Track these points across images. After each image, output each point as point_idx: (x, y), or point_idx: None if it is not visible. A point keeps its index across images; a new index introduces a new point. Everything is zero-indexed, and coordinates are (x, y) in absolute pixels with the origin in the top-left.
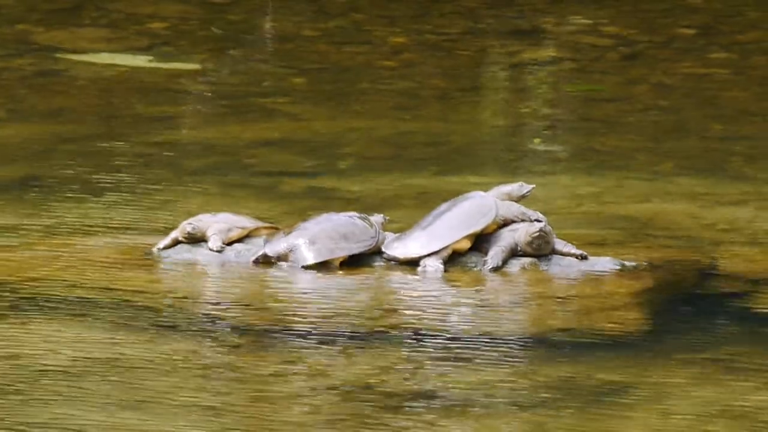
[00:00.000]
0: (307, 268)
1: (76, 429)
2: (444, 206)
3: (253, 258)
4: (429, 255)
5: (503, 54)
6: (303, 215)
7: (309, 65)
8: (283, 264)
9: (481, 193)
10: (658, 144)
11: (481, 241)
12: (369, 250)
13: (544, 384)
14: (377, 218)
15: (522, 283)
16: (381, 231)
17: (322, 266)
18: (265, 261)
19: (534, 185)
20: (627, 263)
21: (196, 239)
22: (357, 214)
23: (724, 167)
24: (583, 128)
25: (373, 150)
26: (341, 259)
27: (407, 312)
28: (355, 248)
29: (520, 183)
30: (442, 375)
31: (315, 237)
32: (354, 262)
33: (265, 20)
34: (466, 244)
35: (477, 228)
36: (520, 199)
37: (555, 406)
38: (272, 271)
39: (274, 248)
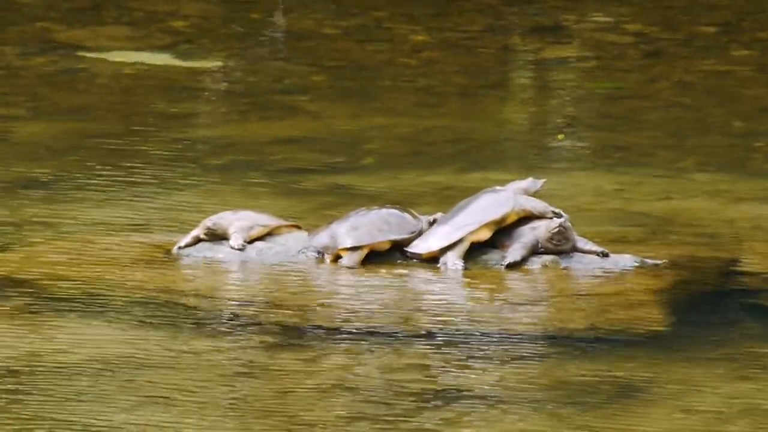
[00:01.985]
0: (346, 250)
1: (98, 426)
2: (463, 202)
3: (300, 251)
4: (449, 247)
5: (524, 51)
6: (324, 213)
7: (330, 63)
8: (326, 254)
9: (499, 187)
10: (679, 141)
11: (502, 238)
12: (409, 238)
13: (564, 381)
14: (426, 217)
15: (543, 281)
16: (425, 224)
17: (354, 255)
18: (312, 252)
19: (545, 179)
20: (648, 260)
21: (217, 237)
22: (401, 208)
23: (746, 164)
24: (605, 125)
25: (394, 147)
26: (379, 248)
27: (426, 310)
28: (395, 235)
29: (530, 179)
30: (462, 373)
31: (357, 224)
32: (380, 258)
33: (286, 18)
34: (485, 234)
35: (495, 216)
36: (534, 194)
37: (576, 404)
38: (294, 269)
39: (317, 239)
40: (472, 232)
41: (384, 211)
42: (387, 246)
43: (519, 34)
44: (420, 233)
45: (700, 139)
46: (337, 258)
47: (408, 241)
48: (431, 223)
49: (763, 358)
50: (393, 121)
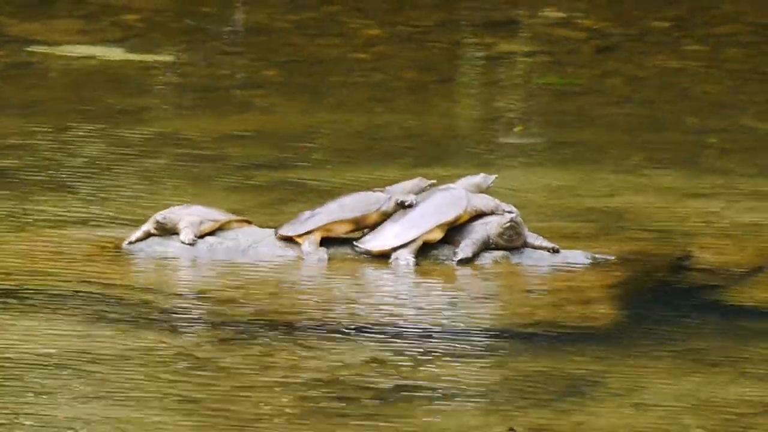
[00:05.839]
0: (297, 237)
1: (47, 422)
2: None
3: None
4: (401, 246)
5: (477, 46)
6: (276, 208)
7: (282, 58)
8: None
9: (452, 185)
10: (631, 137)
11: (453, 234)
12: (367, 215)
13: (515, 377)
14: (418, 181)
15: (493, 276)
16: (393, 201)
17: (305, 242)
18: (284, 240)
19: (496, 175)
20: (599, 256)
21: (167, 232)
22: (372, 189)
23: (698, 160)
24: (557, 121)
25: (346, 142)
26: (334, 231)
27: (378, 306)
28: (349, 214)
29: (482, 174)
30: (413, 368)
31: (318, 210)
32: (332, 253)
33: (238, 12)
34: (438, 235)
35: (448, 218)
36: (486, 189)
37: (526, 400)
38: (245, 264)
39: (282, 228)
40: (424, 233)
41: (347, 196)
42: (345, 227)
43: (471, 29)
44: (378, 211)
45: (652, 135)
46: (288, 242)
47: (365, 219)
48: (399, 204)
49: (714, 352)
50: (345, 116)
